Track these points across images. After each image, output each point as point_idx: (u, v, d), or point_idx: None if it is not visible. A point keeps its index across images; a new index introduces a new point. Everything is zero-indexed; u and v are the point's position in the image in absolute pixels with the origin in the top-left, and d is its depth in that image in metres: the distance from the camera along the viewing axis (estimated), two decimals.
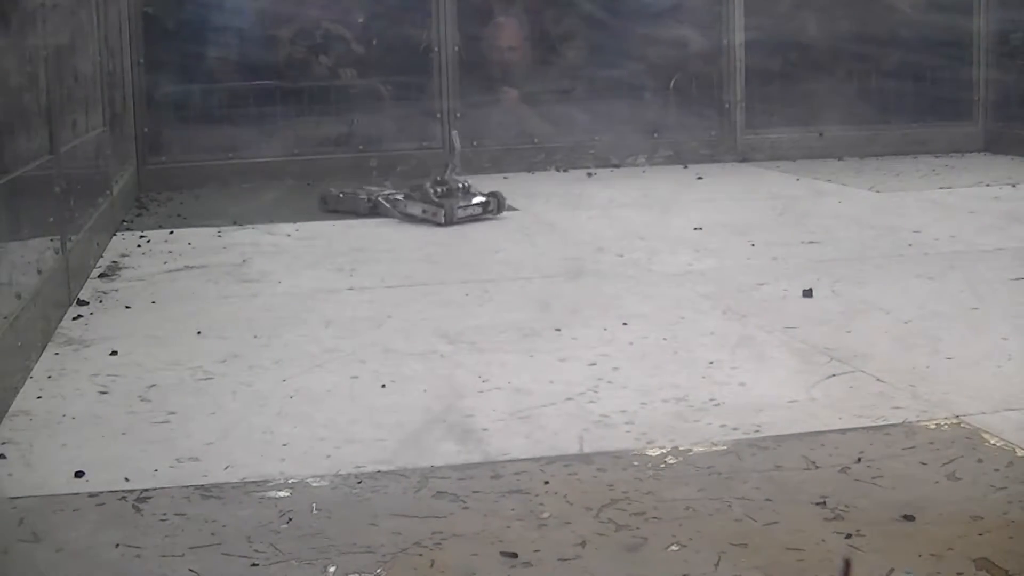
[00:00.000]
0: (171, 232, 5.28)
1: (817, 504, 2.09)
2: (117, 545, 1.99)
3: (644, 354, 3.13)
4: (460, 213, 5.23)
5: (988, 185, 6.21)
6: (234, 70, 7.12)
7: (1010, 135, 7.58)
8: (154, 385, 2.94)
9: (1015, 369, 2.92)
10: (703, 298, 3.77)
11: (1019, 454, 2.33)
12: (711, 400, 2.72)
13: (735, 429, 2.52)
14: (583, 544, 1.96)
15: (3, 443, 2.51)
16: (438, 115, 7.21)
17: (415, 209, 5.25)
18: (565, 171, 7.28)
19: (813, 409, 2.65)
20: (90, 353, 3.26)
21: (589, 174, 7.14)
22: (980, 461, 2.29)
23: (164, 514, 2.12)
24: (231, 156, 7.00)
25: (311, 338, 3.37)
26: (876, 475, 2.23)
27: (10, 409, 2.74)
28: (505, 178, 6.85)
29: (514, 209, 5.56)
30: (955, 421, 2.53)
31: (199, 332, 3.46)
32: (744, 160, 7.56)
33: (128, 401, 2.82)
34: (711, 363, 3.02)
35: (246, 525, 2.06)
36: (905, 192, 6.11)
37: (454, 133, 5.52)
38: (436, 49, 7.18)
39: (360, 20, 7.30)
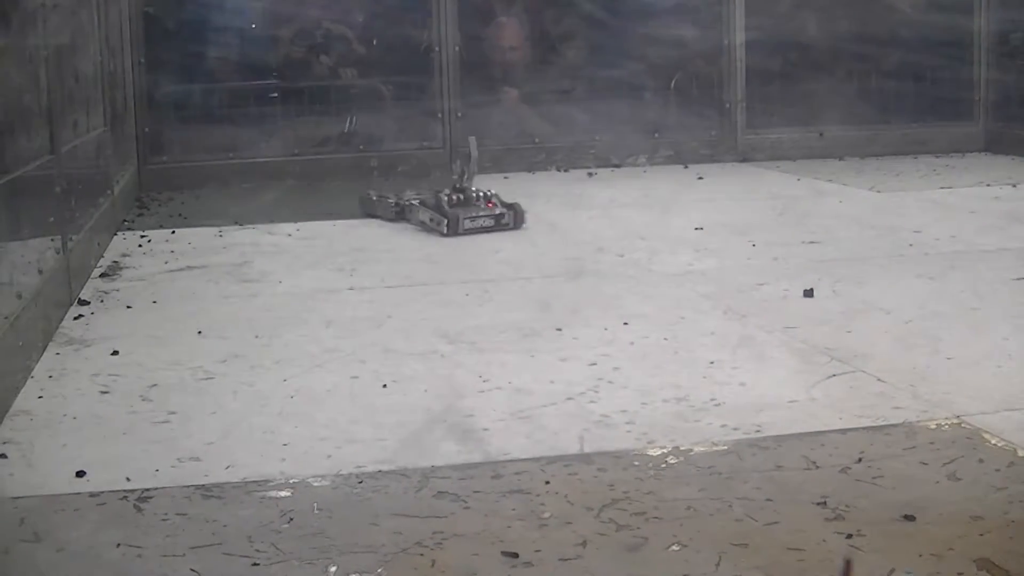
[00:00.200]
0: (172, 232, 5.28)
1: (818, 504, 2.09)
2: (118, 545, 1.99)
3: (645, 354, 3.13)
4: (468, 224, 5.04)
5: (989, 185, 6.21)
6: (235, 70, 7.12)
7: (1011, 135, 7.57)
8: (155, 385, 2.94)
9: (1015, 369, 2.92)
10: (704, 298, 3.77)
11: (1020, 454, 2.33)
12: (712, 400, 2.72)
13: (736, 429, 2.52)
14: (584, 544, 1.96)
15: (4, 443, 2.51)
16: (439, 115, 7.21)
17: (424, 216, 5.20)
18: (566, 171, 7.28)
19: (813, 409, 2.65)
20: (91, 353, 3.26)
21: (590, 174, 7.14)
22: (981, 461, 2.29)
23: (165, 514, 2.12)
24: (232, 156, 7.00)
25: (312, 338, 3.37)
26: (877, 475, 2.23)
27: (11, 409, 2.74)
28: (506, 178, 6.86)
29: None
30: (956, 421, 2.53)
31: (200, 332, 3.46)
32: (745, 160, 7.56)
33: (129, 401, 2.82)
34: (712, 363, 3.02)
35: (247, 525, 2.06)
36: (906, 192, 6.11)
37: (472, 139, 5.41)
38: (437, 49, 7.17)
39: (361, 20, 7.30)
